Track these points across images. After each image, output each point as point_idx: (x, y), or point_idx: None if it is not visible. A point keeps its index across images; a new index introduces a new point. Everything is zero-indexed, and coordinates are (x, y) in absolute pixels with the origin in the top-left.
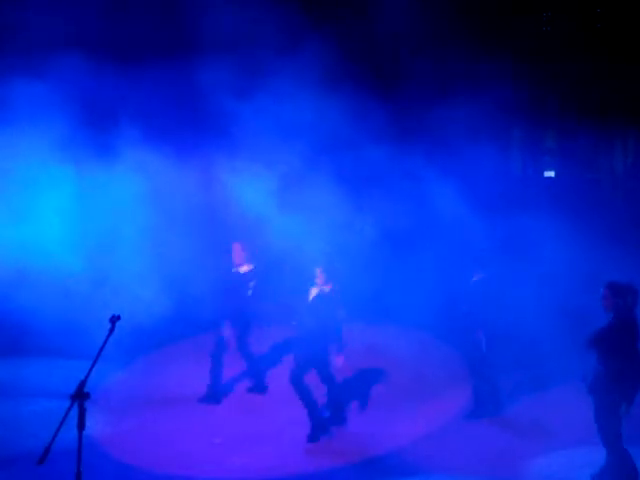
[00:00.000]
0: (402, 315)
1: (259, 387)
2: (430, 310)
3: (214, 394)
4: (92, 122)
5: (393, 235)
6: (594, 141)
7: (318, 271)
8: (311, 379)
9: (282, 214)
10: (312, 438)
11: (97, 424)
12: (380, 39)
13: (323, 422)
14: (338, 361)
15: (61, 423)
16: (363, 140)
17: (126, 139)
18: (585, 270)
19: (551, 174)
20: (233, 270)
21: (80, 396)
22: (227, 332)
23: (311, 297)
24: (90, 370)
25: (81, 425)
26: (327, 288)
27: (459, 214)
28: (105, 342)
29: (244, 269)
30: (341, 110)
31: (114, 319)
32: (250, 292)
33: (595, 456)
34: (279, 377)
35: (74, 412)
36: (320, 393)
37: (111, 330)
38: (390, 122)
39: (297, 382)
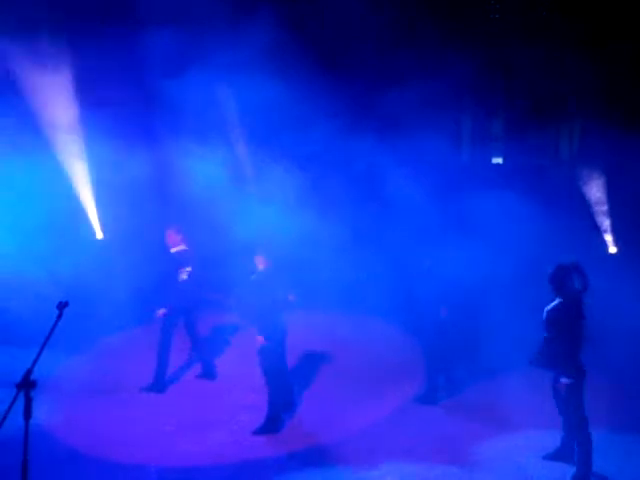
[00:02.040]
0: (360, 302)
1: (209, 374)
2: (386, 296)
3: (158, 383)
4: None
5: (344, 220)
6: (540, 128)
7: (257, 258)
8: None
9: (235, 197)
10: (261, 431)
11: (45, 412)
12: (330, 23)
13: (277, 415)
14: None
15: (7, 412)
16: (312, 123)
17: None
18: (533, 252)
19: (499, 160)
20: (171, 251)
21: (26, 385)
22: (168, 318)
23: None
24: (37, 358)
25: (27, 414)
26: (261, 268)
27: (409, 198)
28: (52, 329)
29: (175, 249)
30: (291, 92)
31: (62, 305)
32: (185, 276)
33: (544, 439)
34: (228, 364)
35: (21, 401)
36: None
37: (59, 317)
38: (339, 107)
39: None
